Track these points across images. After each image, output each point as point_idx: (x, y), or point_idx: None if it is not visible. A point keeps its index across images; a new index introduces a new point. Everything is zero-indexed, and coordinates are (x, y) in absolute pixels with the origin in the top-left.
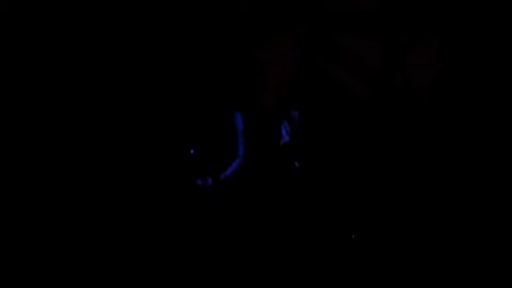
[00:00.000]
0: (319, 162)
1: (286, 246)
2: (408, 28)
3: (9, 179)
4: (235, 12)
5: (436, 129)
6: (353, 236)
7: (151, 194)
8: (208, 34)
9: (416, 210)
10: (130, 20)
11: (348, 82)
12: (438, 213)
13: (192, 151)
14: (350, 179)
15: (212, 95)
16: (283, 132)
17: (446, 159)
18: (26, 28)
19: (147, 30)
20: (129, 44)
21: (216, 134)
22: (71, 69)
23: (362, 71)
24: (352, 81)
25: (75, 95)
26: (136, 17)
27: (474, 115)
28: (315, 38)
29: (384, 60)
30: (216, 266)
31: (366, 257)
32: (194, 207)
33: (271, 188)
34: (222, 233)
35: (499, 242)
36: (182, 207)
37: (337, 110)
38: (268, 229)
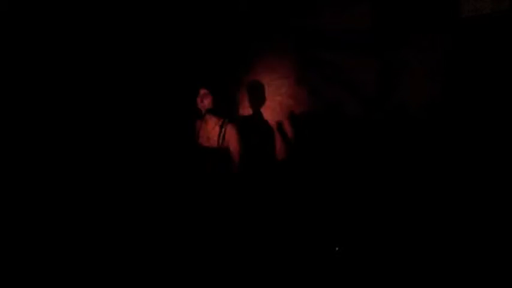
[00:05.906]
0: (312, 177)
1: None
2: (405, 44)
3: (9, 179)
4: (230, 29)
5: (437, 144)
6: (336, 249)
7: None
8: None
9: (411, 225)
10: (129, 20)
11: (342, 100)
12: (433, 230)
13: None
14: (342, 194)
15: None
16: (277, 146)
17: (447, 177)
18: (26, 28)
19: (144, 34)
20: (127, 45)
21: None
22: (70, 69)
23: (356, 90)
24: (346, 99)
25: (74, 95)
26: (135, 19)
27: (477, 131)
28: (308, 56)
29: (379, 78)
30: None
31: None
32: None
33: (265, 200)
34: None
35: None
36: (181, 207)
37: (331, 127)
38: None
